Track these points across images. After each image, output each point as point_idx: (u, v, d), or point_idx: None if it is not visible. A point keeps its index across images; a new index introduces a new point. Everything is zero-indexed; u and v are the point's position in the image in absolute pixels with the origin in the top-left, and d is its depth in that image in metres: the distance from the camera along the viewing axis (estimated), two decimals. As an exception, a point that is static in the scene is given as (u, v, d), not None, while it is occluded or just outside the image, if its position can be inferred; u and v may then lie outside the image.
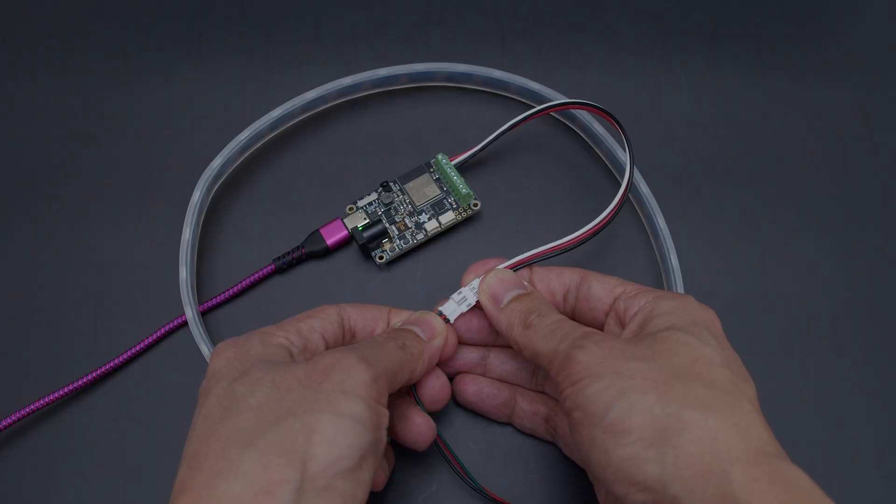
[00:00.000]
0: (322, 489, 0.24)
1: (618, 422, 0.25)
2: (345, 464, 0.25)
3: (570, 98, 0.42)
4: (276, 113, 0.41)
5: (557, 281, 0.33)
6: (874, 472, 0.36)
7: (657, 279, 0.40)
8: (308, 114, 0.43)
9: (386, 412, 0.28)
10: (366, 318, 0.33)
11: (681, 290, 0.38)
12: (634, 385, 0.26)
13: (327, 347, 0.31)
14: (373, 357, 0.28)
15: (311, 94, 0.41)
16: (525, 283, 0.33)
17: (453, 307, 0.34)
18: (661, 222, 0.39)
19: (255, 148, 0.41)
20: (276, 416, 0.25)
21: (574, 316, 0.33)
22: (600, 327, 0.32)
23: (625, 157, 0.37)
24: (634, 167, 0.37)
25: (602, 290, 0.32)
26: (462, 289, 0.34)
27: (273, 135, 0.42)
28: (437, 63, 0.43)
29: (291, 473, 0.24)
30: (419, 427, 0.32)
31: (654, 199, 0.40)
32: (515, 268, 0.34)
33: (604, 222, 0.35)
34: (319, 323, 0.31)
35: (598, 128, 0.42)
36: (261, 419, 0.25)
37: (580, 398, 0.26)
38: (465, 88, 0.44)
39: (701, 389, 0.25)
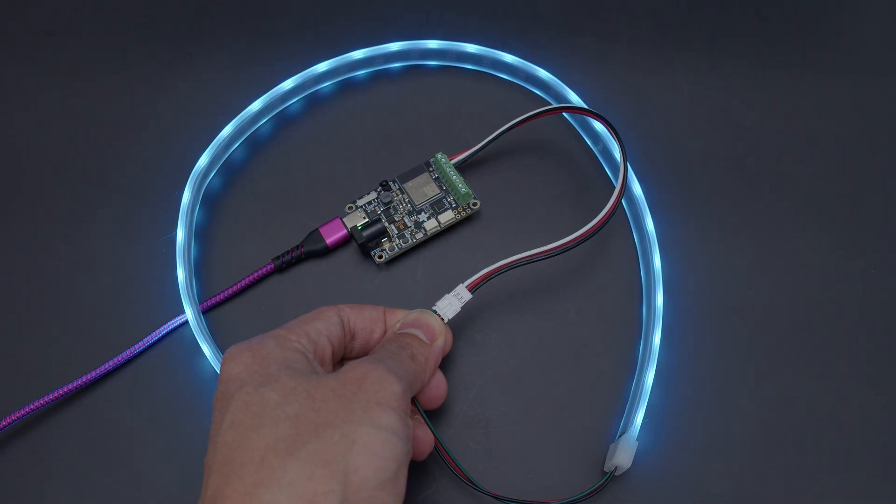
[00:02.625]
0: (365, 500, 0.24)
1: None
2: (384, 475, 0.25)
3: (570, 99, 0.42)
4: (256, 106, 0.42)
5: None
6: (874, 472, 0.36)
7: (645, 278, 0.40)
8: (286, 105, 0.43)
9: (412, 424, 0.28)
10: (364, 318, 0.33)
11: (660, 290, 0.38)
12: None
13: (333, 350, 0.31)
14: (398, 369, 0.28)
15: (287, 84, 0.42)
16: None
17: (448, 304, 0.34)
18: (649, 225, 0.39)
19: (240, 143, 0.42)
20: (315, 426, 0.25)
21: None
22: None
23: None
24: (629, 169, 0.37)
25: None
26: (458, 287, 0.34)
27: (255, 128, 0.43)
28: (412, 41, 0.44)
29: (335, 485, 0.24)
30: (417, 440, 0.32)
31: (644, 199, 0.40)
32: (501, 271, 0.34)
33: (590, 231, 0.35)
34: (325, 326, 0.31)
35: (598, 127, 0.42)
36: (299, 429, 0.25)
37: None
38: (464, 81, 0.45)
39: None
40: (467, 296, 0.34)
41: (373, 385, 0.27)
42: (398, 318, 0.33)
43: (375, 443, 0.25)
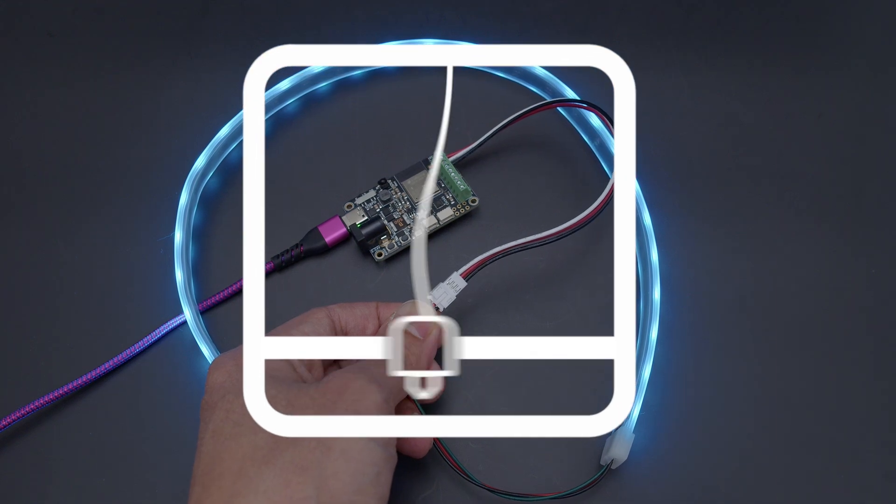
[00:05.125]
0: None
1: None
2: (363, 479, 0.25)
3: (566, 94, 0.42)
4: None
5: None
6: (874, 472, 0.36)
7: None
8: (283, 105, 0.44)
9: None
10: (356, 316, 0.33)
11: (657, 287, 0.38)
12: None
13: None
14: (382, 377, 0.28)
15: (284, 84, 0.43)
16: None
17: (443, 293, 0.33)
18: (646, 219, 0.39)
19: (237, 143, 0.42)
20: None
21: None
22: None
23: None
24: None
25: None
26: (452, 275, 0.34)
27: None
28: (407, 40, 0.44)
29: (311, 491, 0.24)
30: (416, 437, 0.31)
31: (641, 193, 0.40)
32: (496, 258, 0.34)
33: (587, 218, 0.35)
34: (312, 328, 0.31)
35: (595, 123, 0.42)
36: (277, 438, 0.25)
37: None
38: (461, 79, 0.45)
39: None
40: (462, 283, 0.34)
41: (352, 395, 0.27)
42: (391, 311, 0.33)
43: (352, 448, 0.25)
